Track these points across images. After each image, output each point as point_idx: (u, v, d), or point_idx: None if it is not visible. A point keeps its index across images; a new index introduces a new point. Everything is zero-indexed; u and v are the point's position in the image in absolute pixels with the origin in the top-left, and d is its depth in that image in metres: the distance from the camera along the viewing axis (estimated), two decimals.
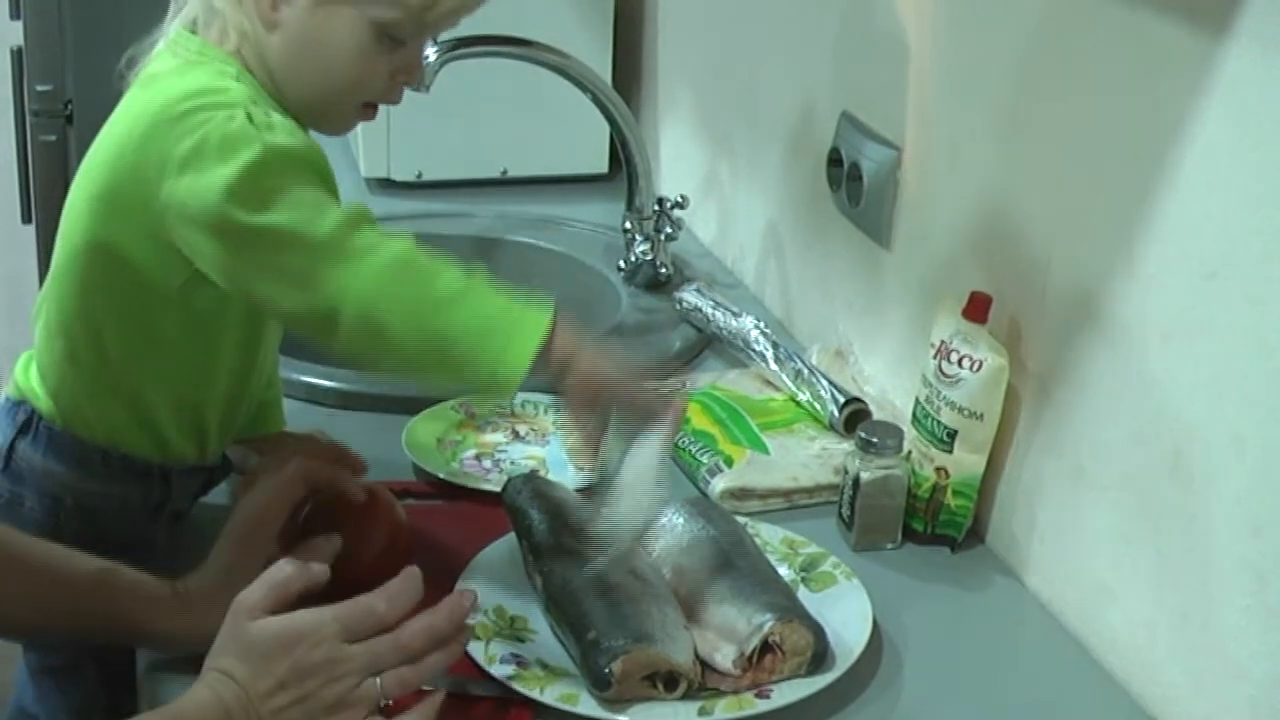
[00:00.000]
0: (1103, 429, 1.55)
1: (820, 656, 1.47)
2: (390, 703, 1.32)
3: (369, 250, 1.45)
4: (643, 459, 1.47)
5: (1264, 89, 1.30)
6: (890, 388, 1.97)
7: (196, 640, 1.38)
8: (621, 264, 2.41)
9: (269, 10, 1.53)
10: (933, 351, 1.69)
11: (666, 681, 1.43)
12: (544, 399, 1.96)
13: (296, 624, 1.32)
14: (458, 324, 1.45)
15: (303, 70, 1.56)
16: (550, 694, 1.42)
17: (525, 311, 1.46)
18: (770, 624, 1.45)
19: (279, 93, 1.56)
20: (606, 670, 1.40)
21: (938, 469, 1.70)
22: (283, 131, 1.49)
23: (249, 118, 1.46)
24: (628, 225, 2.41)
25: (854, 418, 1.89)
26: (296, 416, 1.85)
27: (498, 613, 1.54)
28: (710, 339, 2.21)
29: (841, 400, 1.92)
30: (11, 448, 1.61)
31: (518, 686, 1.43)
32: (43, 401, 1.60)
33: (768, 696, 1.44)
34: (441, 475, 1.79)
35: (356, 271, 1.44)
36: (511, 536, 1.61)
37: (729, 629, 1.48)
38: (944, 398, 1.67)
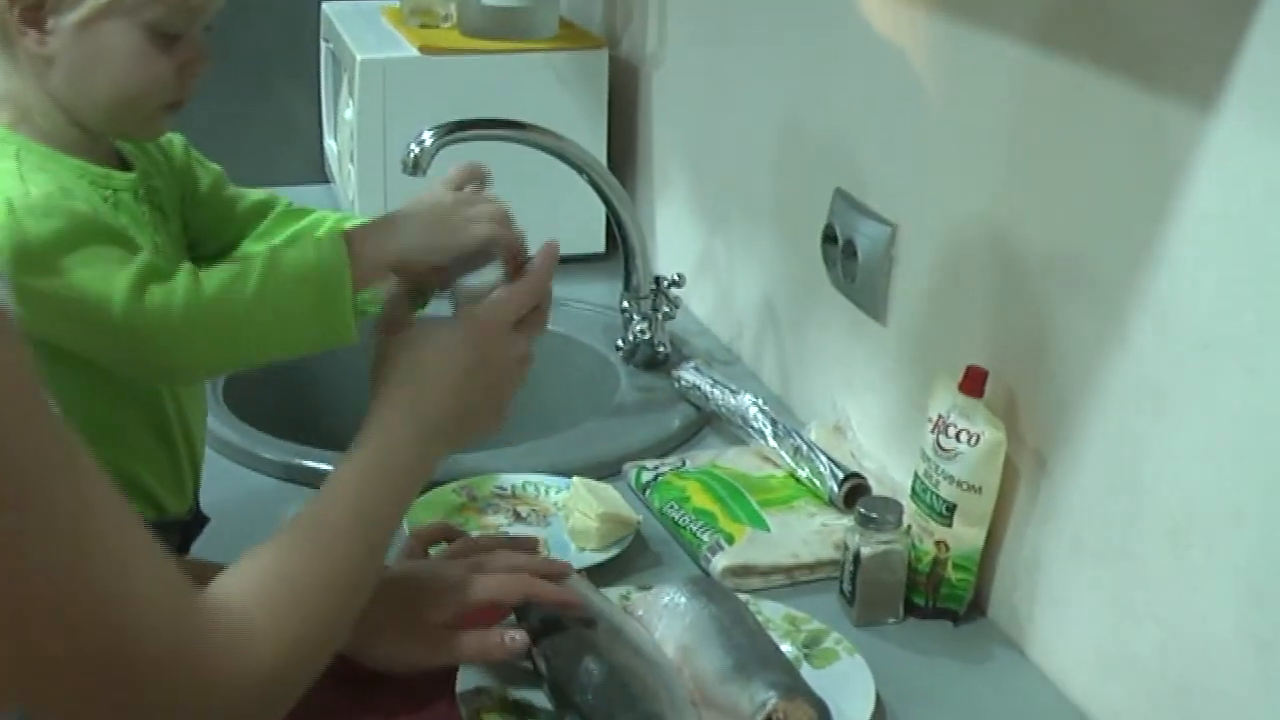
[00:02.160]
0: (1101, 500, 1.55)
1: None
2: None
3: (165, 310, 1.52)
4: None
5: (1252, 161, 1.31)
6: (889, 463, 1.98)
7: None
8: (620, 343, 2.42)
9: (37, 48, 1.55)
10: (930, 426, 1.69)
11: None
12: (545, 479, 1.97)
13: None
14: (273, 320, 1.56)
15: (91, 91, 1.58)
16: None
17: (321, 265, 1.58)
18: (774, 701, 1.45)
19: (79, 119, 1.59)
20: None
21: (938, 543, 1.70)
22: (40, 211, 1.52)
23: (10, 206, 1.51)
24: (625, 305, 2.41)
25: (854, 493, 1.90)
26: (286, 497, 1.85)
27: (502, 694, 1.53)
28: (709, 417, 2.21)
29: (841, 476, 1.92)
30: None
31: None
32: None
33: None
34: None
35: (165, 333, 1.52)
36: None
37: (733, 707, 1.48)
38: (942, 472, 1.68)
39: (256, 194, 1.93)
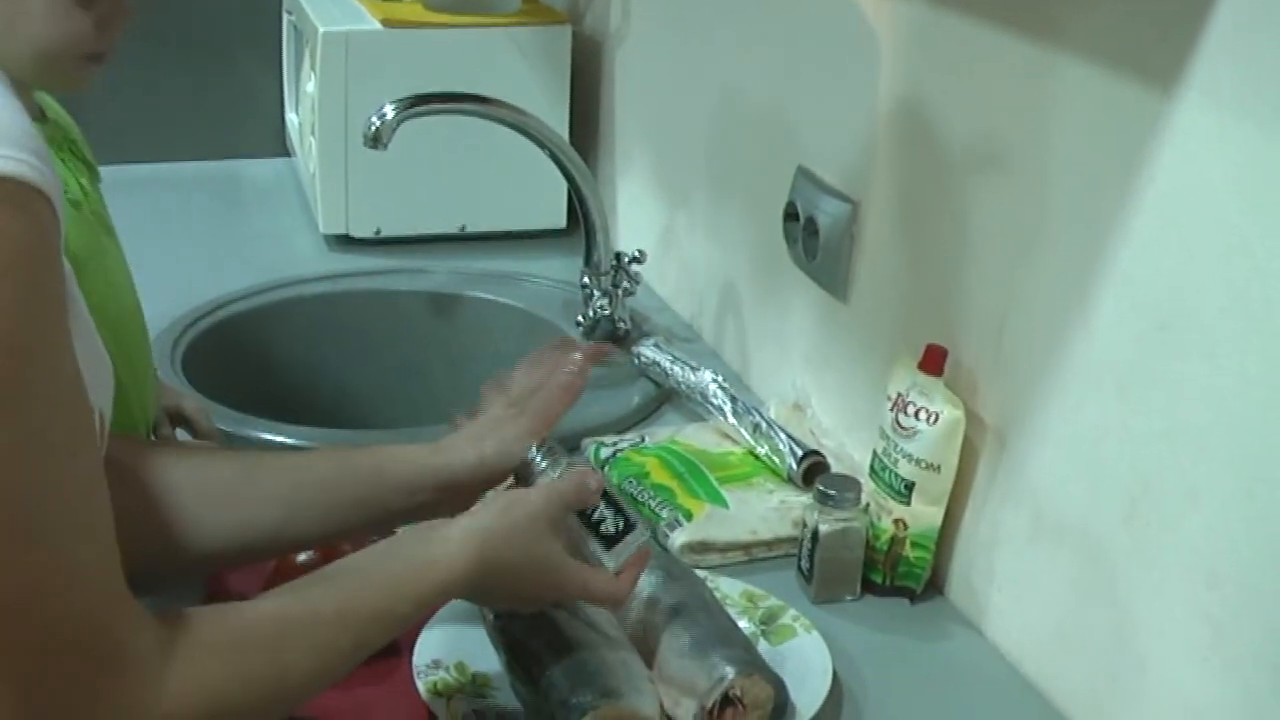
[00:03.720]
0: (1059, 480, 1.56)
1: (781, 709, 1.47)
2: None
3: None
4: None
5: (1214, 143, 1.31)
6: (848, 441, 1.98)
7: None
8: (580, 319, 2.42)
9: None
10: (889, 404, 1.70)
11: None
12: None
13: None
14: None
15: (12, 44, 1.56)
16: None
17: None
18: (731, 677, 1.45)
19: (4, 70, 1.58)
20: None
21: (896, 521, 1.70)
22: None
23: None
24: (585, 281, 2.41)
25: (812, 471, 1.90)
26: None
27: (459, 669, 1.53)
28: (669, 393, 2.21)
29: (800, 453, 1.92)
30: None
31: None
32: None
33: None
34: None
35: None
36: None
37: (689, 683, 1.48)
38: (901, 450, 1.68)
39: None
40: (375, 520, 1.51)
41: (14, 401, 1.01)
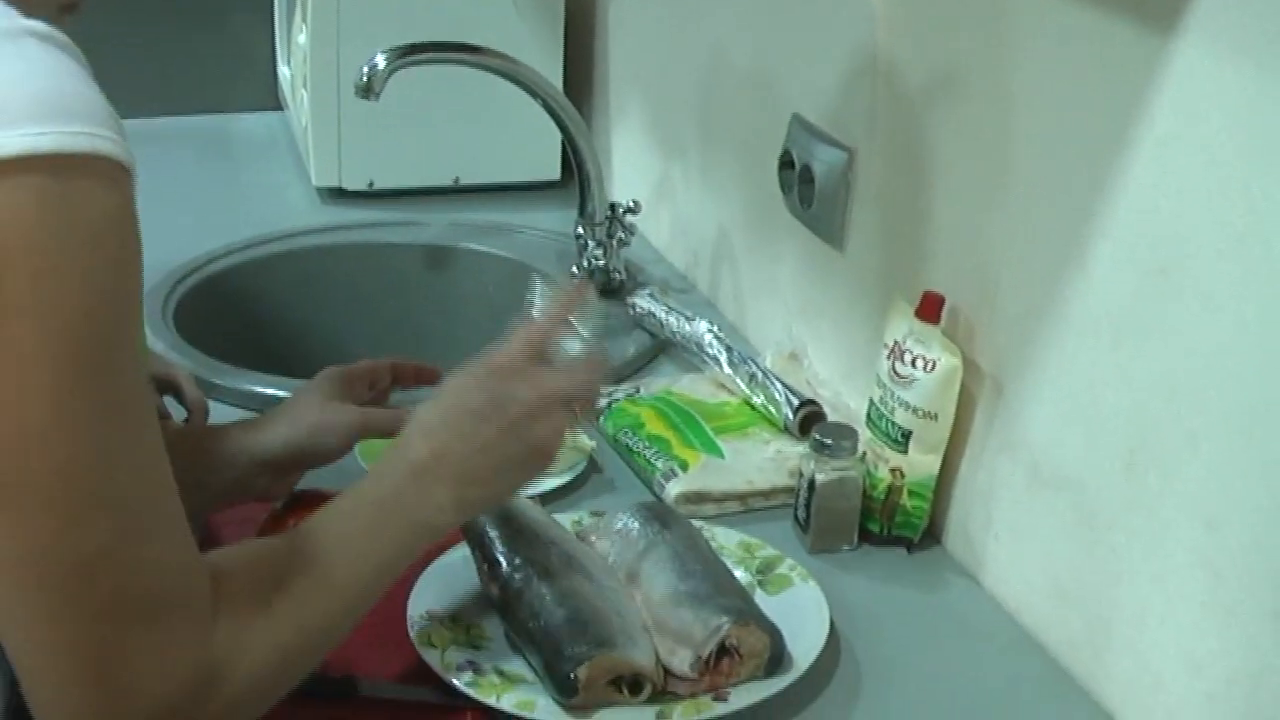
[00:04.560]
0: (1057, 428, 1.55)
1: (777, 659, 1.47)
2: None
3: None
4: None
5: (1212, 86, 1.30)
6: (844, 390, 1.97)
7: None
8: (575, 270, 2.40)
9: None
10: (886, 352, 1.69)
11: (631, 685, 1.43)
12: None
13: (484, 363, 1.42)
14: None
15: None
16: (508, 700, 1.41)
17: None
18: (726, 627, 1.45)
19: None
20: (571, 676, 1.39)
21: (893, 470, 1.70)
22: None
23: None
24: (580, 231, 2.40)
25: (809, 420, 1.89)
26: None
27: (453, 619, 1.53)
28: (664, 344, 2.20)
29: (796, 403, 1.92)
30: None
31: (475, 693, 1.42)
32: None
33: (725, 699, 1.43)
34: None
35: None
36: (465, 544, 1.60)
37: (685, 633, 1.47)
38: (898, 398, 1.67)
39: None
40: (193, 498, 1.54)
41: (103, 370, 1.06)
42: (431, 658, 1.46)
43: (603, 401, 1.98)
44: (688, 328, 2.14)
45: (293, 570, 1.23)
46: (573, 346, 1.47)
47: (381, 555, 1.31)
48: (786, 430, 1.92)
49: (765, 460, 1.86)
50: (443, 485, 1.35)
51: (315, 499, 1.55)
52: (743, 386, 2.00)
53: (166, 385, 1.81)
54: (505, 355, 1.43)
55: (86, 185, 1.04)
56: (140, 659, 1.08)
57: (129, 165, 1.07)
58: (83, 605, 1.07)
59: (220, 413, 1.86)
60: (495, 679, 1.45)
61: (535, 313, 1.53)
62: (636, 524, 1.62)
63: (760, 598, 1.57)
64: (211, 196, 2.80)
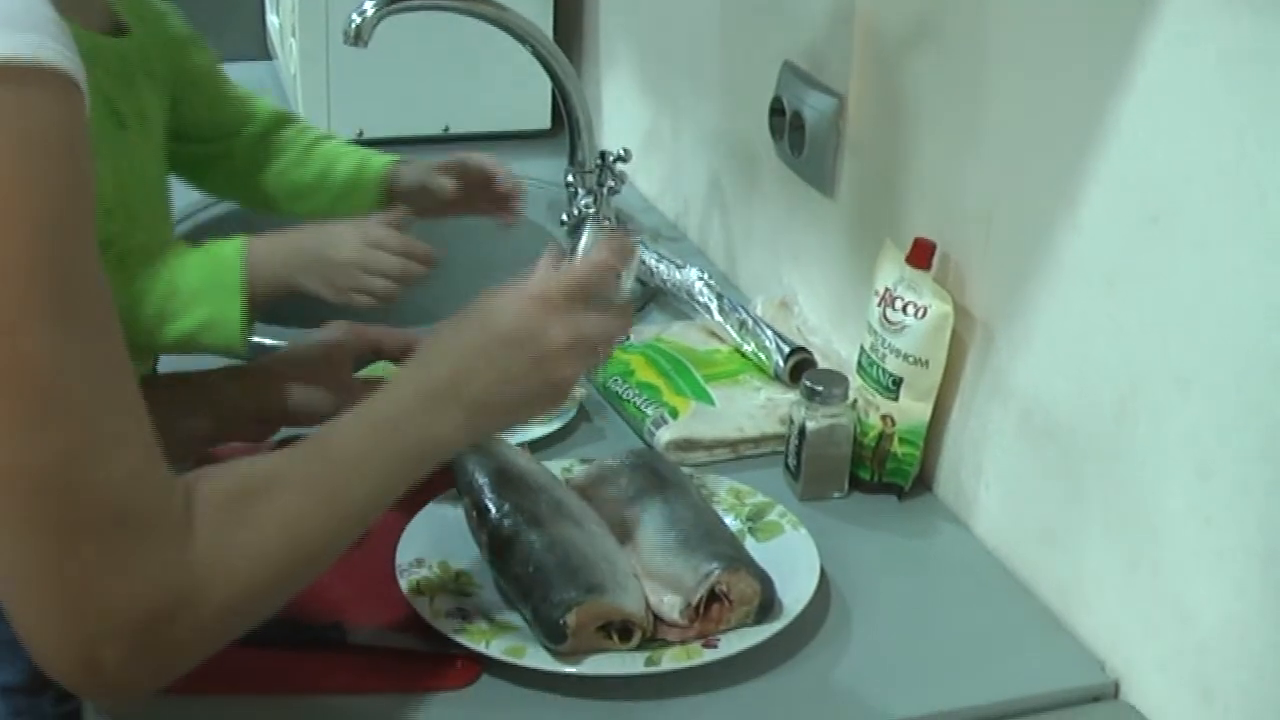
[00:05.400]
0: (1048, 375, 1.55)
1: (767, 606, 1.47)
2: None
3: None
4: None
5: (1205, 29, 1.29)
6: (835, 337, 1.97)
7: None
8: (564, 218, 2.40)
9: None
10: (877, 299, 1.68)
11: (620, 631, 1.43)
12: None
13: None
14: (178, 334, 1.54)
15: None
16: (496, 647, 1.41)
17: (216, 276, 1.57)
18: (717, 573, 1.45)
19: None
20: (561, 622, 1.39)
21: (884, 417, 1.69)
22: None
23: None
24: (570, 180, 2.39)
25: (799, 367, 1.89)
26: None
27: (442, 567, 1.53)
28: (655, 292, 2.20)
29: (786, 350, 1.91)
30: None
31: (464, 640, 1.42)
32: None
33: (715, 646, 1.43)
34: None
35: None
36: (454, 492, 1.59)
37: (675, 580, 1.47)
38: (889, 345, 1.66)
39: (262, 102, 1.94)
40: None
41: (54, 281, 1.05)
42: (420, 605, 1.46)
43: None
44: (678, 275, 2.13)
45: (283, 483, 1.21)
46: (614, 295, 1.46)
47: (385, 472, 1.29)
48: (777, 377, 1.92)
49: (756, 407, 1.86)
50: (458, 407, 1.33)
51: None
52: (733, 334, 1.99)
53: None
54: (546, 286, 1.40)
55: (36, 95, 1.04)
56: (109, 577, 1.07)
57: (79, 81, 1.07)
58: (44, 519, 1.06)
59: (206, 361, 1.86)
60: (484, 626, 1.45)
61: (582, 251, 1.51)
62: (627, 471, 1.62)
63: (751, 545, 1.57)
64: None
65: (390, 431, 1.30)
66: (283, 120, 1.92)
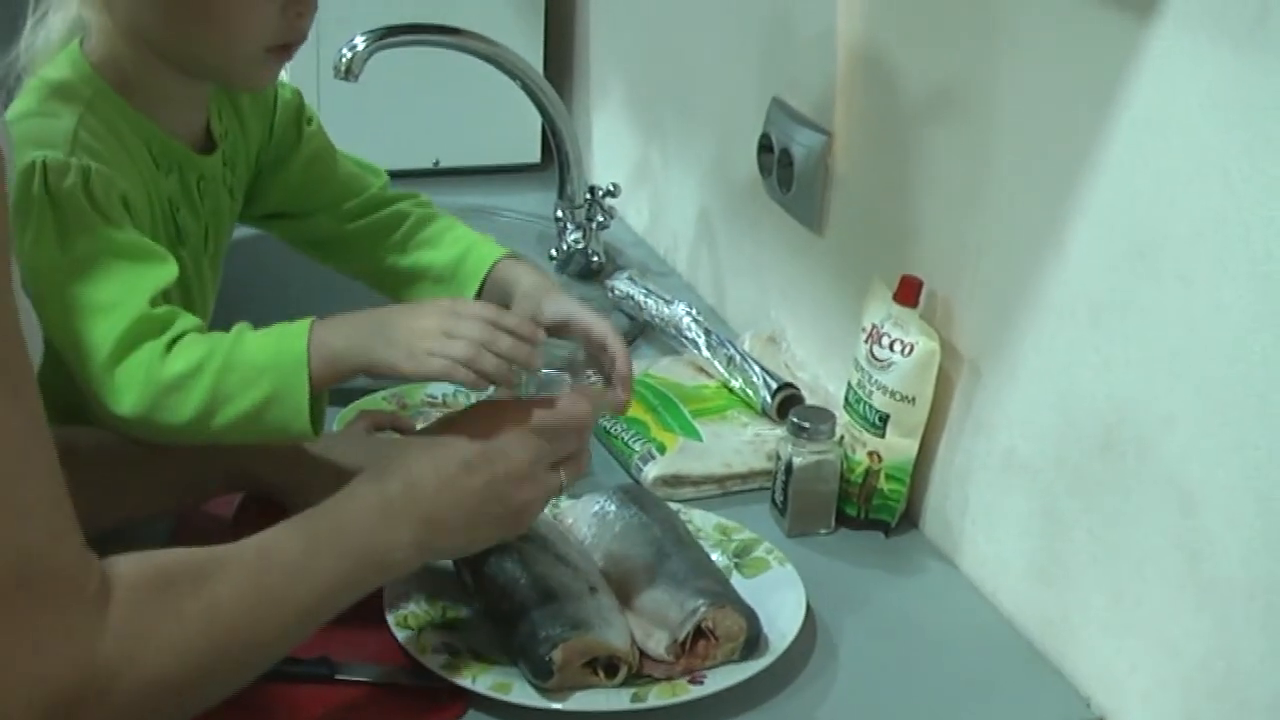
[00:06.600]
0: (1034, 410, 1.55)
1: (753, 642, 1.47)
2: None
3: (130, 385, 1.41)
4: None
5: (1190, 69, 1.30)
6: (822, 373, 1.97)
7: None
8: (554, 253, 2.40)
9: None
10: (864, 336, 1.68)
11: (606, 667, 1.42)
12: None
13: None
14: (237, 414, 1.41)
15: (190, 34, 1.50)
16: (483, 683, 1.41)
17: (279, 360, 1.43)
18: (703, 610, 1.45)
19: (179, 68, 1.53)
20: (547, 659, 1.39)
21: (870, 453, 1.69)
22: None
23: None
24: (559, 214, 2.40)
25: (786, 403, 1.89)
26: None
27: (429, 601, 1.52)
28: (643, 327, 2.20)
29: (774, 386, 1.91)
30: None
31: (450, 676, 1.42)
32: None
33: (701, 682, 1.43)
34: None
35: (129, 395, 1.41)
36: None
37: (662, 615, 1.47)
38: (876, 382, 1.67)
39: (375, 183, 1.88)
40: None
41: None
42: (408, 640, 1.46)
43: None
44: (666, 310, 2.13)
45: (215, 578, 1.18)
46: (580, 443, 1.47)
47: (328, 580, 1.27)
48: (764, 413, 1.92)
49: (743, 443, 1.86)
50: (409, 525, 1.33)
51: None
52: (721, 369, 1.99)
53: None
54: (508, 414, 1.42)
55: None
56: (17, 649, 1.04)
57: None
58: None
59: None
60: (471, 661, 1.44)
61: (562, 395, 1.49)
62: (613, 506, 1.62)
63: (737, 581, 1.57)
64: None
65: (335, 539, 1.29)
66: (395, 198, 1.88)
